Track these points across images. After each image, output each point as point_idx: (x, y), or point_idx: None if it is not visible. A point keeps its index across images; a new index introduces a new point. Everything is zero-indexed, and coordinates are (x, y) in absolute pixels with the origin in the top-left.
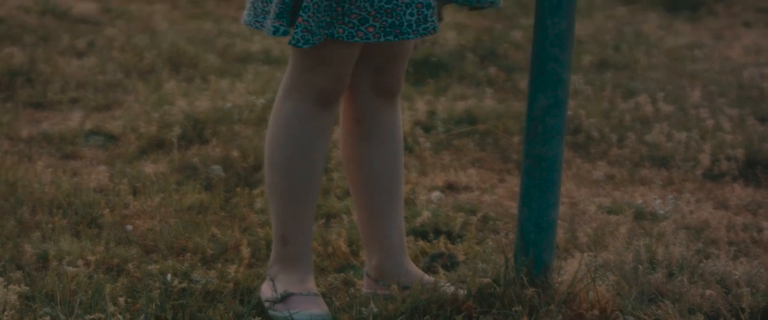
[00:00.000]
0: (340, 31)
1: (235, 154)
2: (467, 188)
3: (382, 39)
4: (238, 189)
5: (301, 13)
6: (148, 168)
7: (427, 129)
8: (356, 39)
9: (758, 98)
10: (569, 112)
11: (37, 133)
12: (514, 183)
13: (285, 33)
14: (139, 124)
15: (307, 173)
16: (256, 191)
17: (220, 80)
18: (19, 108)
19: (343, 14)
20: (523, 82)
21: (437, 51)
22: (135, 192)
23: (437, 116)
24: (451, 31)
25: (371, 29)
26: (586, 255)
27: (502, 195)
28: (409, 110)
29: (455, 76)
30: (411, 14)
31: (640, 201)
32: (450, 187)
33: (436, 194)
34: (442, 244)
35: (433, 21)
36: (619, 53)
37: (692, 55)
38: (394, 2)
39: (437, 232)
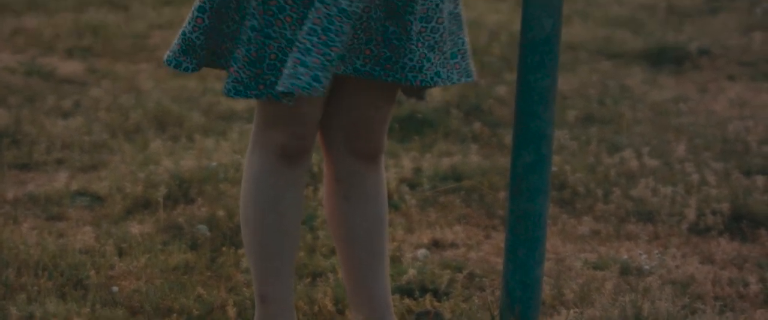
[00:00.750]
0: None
1: (221, 213)
2: (453, 245)
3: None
4: (223, 248)
5: (232, 62)
6: (134, 228)
7: (413, 186)
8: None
9: (743, 152)
10: (554, 168)
11: (23, 194)
12: (500, 239)
13: (179, 66)
14: (124, 185)
15: (278, 228)
16: (241, 250)
17: (206, 139)
18: (5, 169)
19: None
20: (509, 138)
21: (422, 107)
22: (121, 253)
23: (423, 173)
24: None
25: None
26: (572, 311)
27: (488, 251)
28: (394, 167)
29: (440, 132)
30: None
31: (625, 256)
32: (436, 244)
33: (421, 251)
34: (428, 302)
35: (303, 79)
36: (603, 108)
37: (677, 108)
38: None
39: (423, 290)
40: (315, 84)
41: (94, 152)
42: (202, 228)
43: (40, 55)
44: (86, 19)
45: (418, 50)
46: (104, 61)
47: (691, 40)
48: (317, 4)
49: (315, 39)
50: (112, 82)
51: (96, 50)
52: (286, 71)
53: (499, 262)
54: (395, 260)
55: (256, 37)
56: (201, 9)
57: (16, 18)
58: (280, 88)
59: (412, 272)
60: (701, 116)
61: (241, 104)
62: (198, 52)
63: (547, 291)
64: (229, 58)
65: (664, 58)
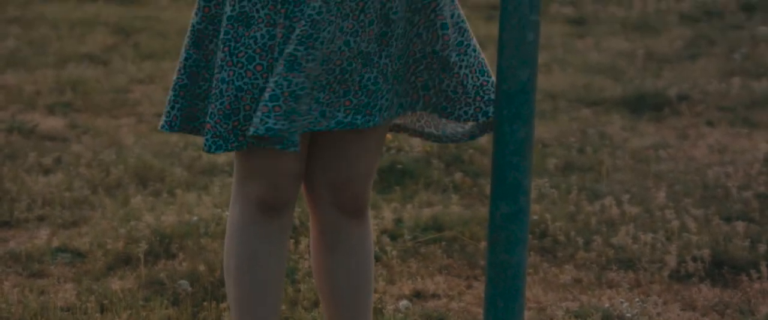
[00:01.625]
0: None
1: (202, 268)
2: (435, 296)
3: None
4: (205, 303)
5: (208, 118)
6: (115, 284)
7: (394, 237)
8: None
9: (723, 198)
10: (535, 217)
11: (4, 252)
12: (481, 289)
13: (168, 128)
14: (106, 241)
15: (258, 280)
16: (223, 305)
17: (187, 193)
18: None
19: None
20: (489, 188)
21: (403, 158)
22: (102, 310)
23: (404, 224)
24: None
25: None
26: None
27: (470, 301)
28: (375, 218)
29: (421, 182)
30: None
31: (607, 304)
32: (417, 295)
33: (403, 303)
34: None
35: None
36: (583, 155)
37: (657, 155)
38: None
39: None
40: (281, 128)
41: (75, 208)
42: (184, 283)
43: (21, 111)
44: (66, 75)
45: (393, 88)
46: (85, 117)
47: (670, 86)
48: (286, 54)
49: (283, 85)
50: (93, 138)
51: (77, 106)
52: (256, 116)
53: (480, 312)
54: (377, 311)
55: (228, 89)
56: (178, 69)
57: None
58: (250, 131)
59: None
60: (681, 162)
61: (222, 158)
62: (173, 113)
63: None
64: (202, 119)
65: (643, 105)
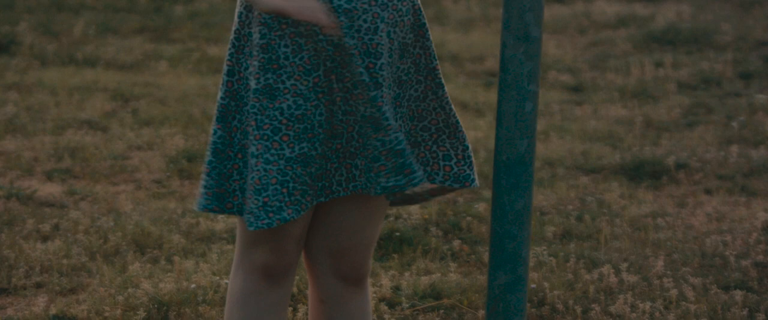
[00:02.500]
0: (289, 212)
1: None
2: None
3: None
4: None
5: (245, 194)
6: None
7: (392, 305)
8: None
9: (721, 266)
10: (533, 285)
11: (2, 319)
12: None
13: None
14: (103, 308)
15: None
16: None
17: (185, 261)
18: None
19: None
20: (488, 255)
21: (401, 225)
22: None
23: (402, 291)
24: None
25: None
26: None
27: None
28: (373, 286)
29: (420, 250)
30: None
31: None
32: None
33: None
34: None
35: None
36: (581, 223)
37: (655, 223)
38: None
39: None
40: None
41: (73, 275)
42: None
43: (19, 178)
44: (65, 141)
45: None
46: (83, 183)
47: (668, 154)
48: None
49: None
50: (91, 204)
51: (75, 172)
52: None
53: None
54: None
55: (257, 163)
56: (207, 148)
57: None
58: (261, 224)
59: None
60: (679, 231)
61: (220, 225)
62: (204, 193)
63: None
64: (228, 199)
65: (641, 173)
